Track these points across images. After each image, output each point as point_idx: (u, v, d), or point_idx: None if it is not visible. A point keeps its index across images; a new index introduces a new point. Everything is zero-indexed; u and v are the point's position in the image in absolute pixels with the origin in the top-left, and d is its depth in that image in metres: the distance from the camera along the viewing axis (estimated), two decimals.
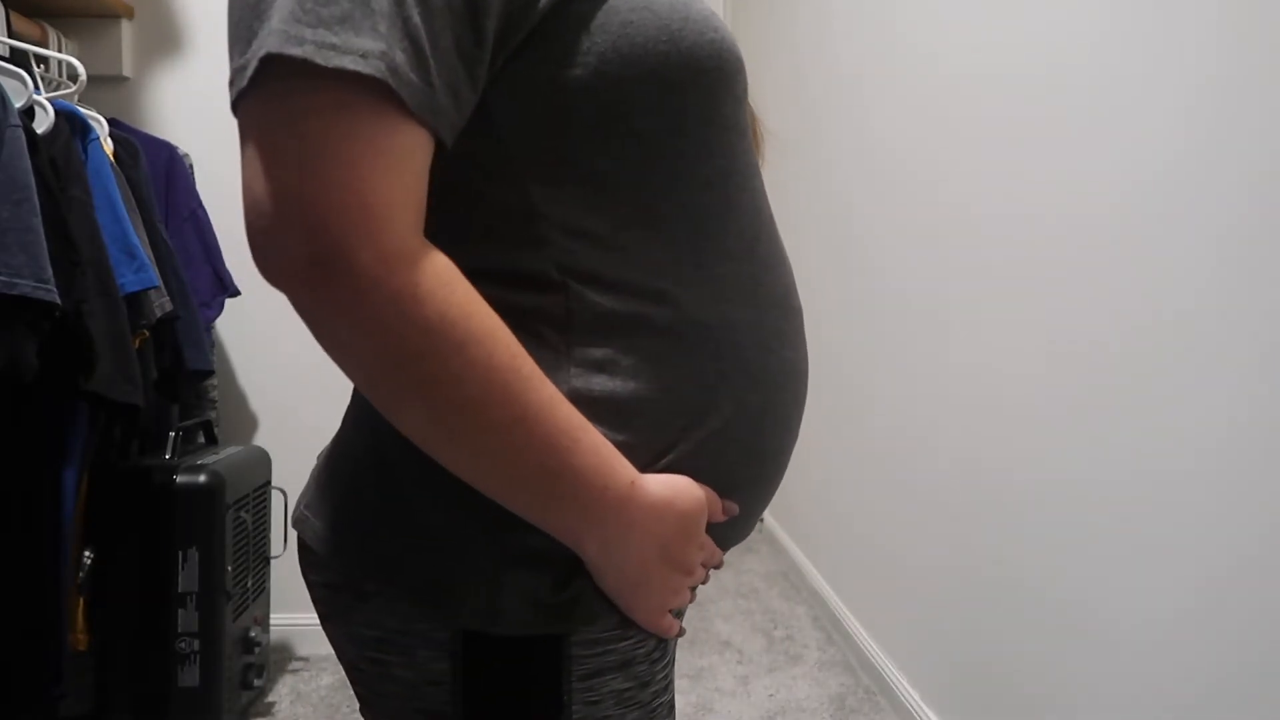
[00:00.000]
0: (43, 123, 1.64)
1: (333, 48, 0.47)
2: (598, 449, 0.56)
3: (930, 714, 1.92)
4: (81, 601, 1.78)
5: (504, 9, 0.53)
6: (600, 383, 0.59)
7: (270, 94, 0.49)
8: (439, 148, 0.53)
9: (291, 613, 2.35)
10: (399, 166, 0.50)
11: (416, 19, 0.49)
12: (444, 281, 0.51)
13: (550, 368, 0.57)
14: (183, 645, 1.81)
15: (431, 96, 0.50)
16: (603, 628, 0.61)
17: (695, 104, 0.61)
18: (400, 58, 0.49)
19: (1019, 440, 1.55)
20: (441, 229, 0.56)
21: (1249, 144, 1.03)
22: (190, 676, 1.82)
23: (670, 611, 0.63)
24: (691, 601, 0.66)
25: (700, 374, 0.61)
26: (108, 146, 1.84)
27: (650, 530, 0.58)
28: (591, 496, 0.56)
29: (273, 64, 0.48)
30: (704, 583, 0.66)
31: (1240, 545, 1.05)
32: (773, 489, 0.70)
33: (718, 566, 0.67)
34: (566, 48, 0.56)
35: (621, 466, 0.57)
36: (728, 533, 0.67)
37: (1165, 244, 1.17)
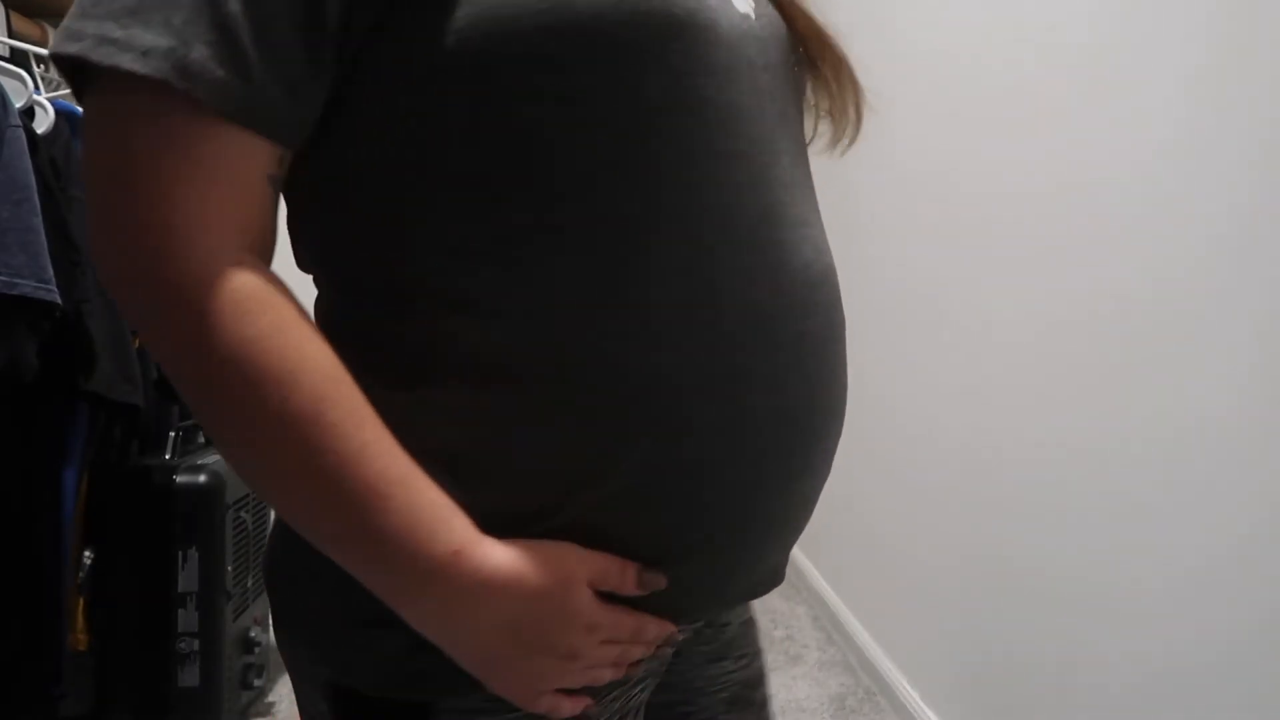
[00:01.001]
0: (43, 123, 1.64)
1: (113, 43, 0.42)
2: (414, 510, 0.47)
3: (930, 714, 1.92)
4: (81, 601, 1.77)
5: None
6: (457, 435, 0.50)
7: (88, 96, 0.45)
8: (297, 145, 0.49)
9: None
10: (211, 178, 0.45)
11: (233, 6, 0.43)
12: (245, 310, 0.45)
13: (401, 410, 0.49)
14: (183, 645, 1.81)
15: (249, 95, 0.44)
16: (477, 700, 0.53)
17: (598, 85, 0.49)
18: (201, 53, 0.43)
19: (1020, 436, 1.55)
20: (327, 234, 0.52)
21: (1247, 129, 1.04)
22: (190, 676, 1.82)
23: (575, 689, 0.53)
24: (624, 675, 0.56)
25: (592, 429, 0.50)
26: None
27: (487, 607, 0.49)
28: (400, 564, 0.47)
29: (62, 64, 0.44)
30: (648, 657, 0.56)
31: (1250, 540, 1.05)
32: (753, 554, 0.57)
33: (669, 645, 0.57)
34: (424, 25, 0.47)
35: (445, 531, 0.48)
36: (683, 604, 0.56)
37: (1165, 239, 1.17)
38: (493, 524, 0.50)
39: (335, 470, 0.46)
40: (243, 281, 0.46)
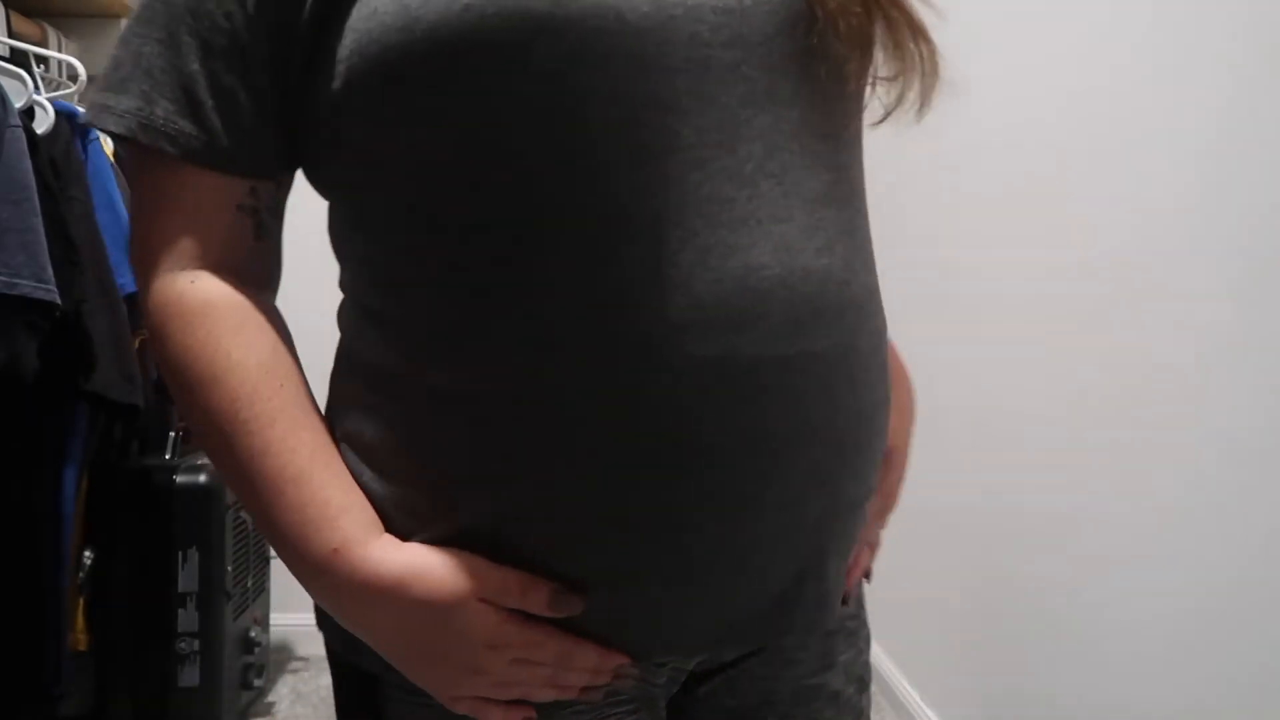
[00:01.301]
0: (43, 123, 1.64)
1: (105, 109, 0.52)
2: (302, 507, 0.51)
3: (930, 714, 1.92)
4: (81, 601, 1.77)
5: (266, 32, 0.51)
6: (369, 427, 0.55)
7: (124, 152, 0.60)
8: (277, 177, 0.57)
9: (291, 613, 2.34)
10: (175, 209, 0.54)
11: (193, 66, 0.51)
12: (185, 322, 0.53)
13: (335, 398, 0.58)
14: (183, 645, 1.81)
15: (207, 140, 0.52)
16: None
17: (458, 99, 0.48)
18: (166, 109, 0.51)
19: (1017, 450, 1.55)
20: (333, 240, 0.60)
21: (1262, 169, 1.04)
22: (190, 676, 1.82)
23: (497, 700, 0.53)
24: (577, 697, 0.54)
25: (482, 434, 0.51)
26: (108, 147, 1.83)
27: (372, 607, 0.51)
28: (290, 555, 0.53)
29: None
30: (589, 693, 0.54)
31: (1271, 564, 1.05)
32: (710, 594, 0.54)
33: (618, 679, 0.54)
34: (325, 60, 0.51)
35: (327, 530, 0.51)
36: (628, 635, 0.54)
37: (1180, 277, 1.17)
38: (402, 515, 0.53)
39: (244, 464, 0.52)
40: (191, 297, 0.53)
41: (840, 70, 0.52)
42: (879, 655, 2.22)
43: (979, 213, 1.70)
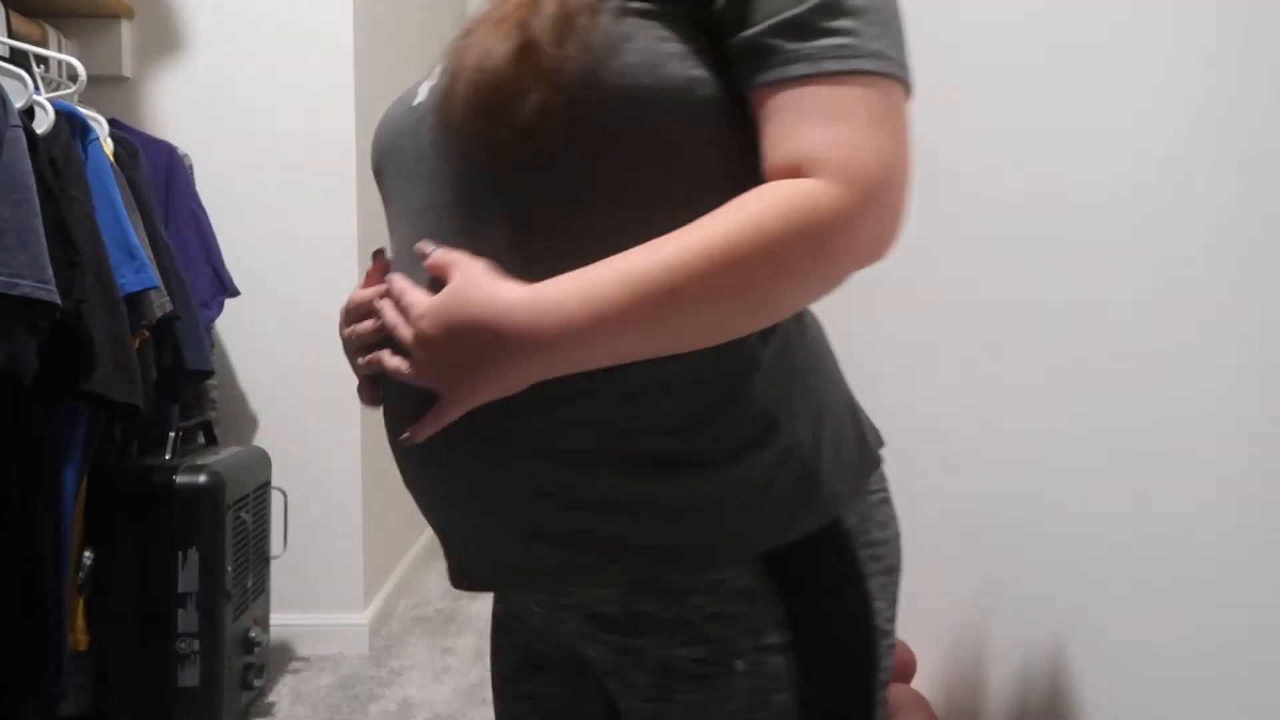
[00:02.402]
0: (43, 123, 1.64)
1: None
2: None
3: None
4: (81, 601, 1.78)
5: None
6: None
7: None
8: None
9: (291, 613, 2.35)
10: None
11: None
12: None
13: None
14: (183, 645, 1.81)
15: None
16: None
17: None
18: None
19: (1016, 446, 1.55)
20: None
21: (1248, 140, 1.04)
22: (190, 676, 1.82)
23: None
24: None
25: None
26: (108, 147, 1.84)
27: None
28: None
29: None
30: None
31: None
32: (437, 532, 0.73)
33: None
34: None
35: None
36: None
37: (1188, 278, 1.17)
38: None
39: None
40: None
41: (463, 137, 0.67)
42: None
43: (986, 228, 1.70)
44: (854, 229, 0.59)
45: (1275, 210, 0.99)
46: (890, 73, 0.61)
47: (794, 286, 0.60)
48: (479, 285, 0.61)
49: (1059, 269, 1.46)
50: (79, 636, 1.77)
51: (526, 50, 0.62)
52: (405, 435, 0.66)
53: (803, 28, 0.60)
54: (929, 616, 1.95)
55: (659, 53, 0.63)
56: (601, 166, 0.64)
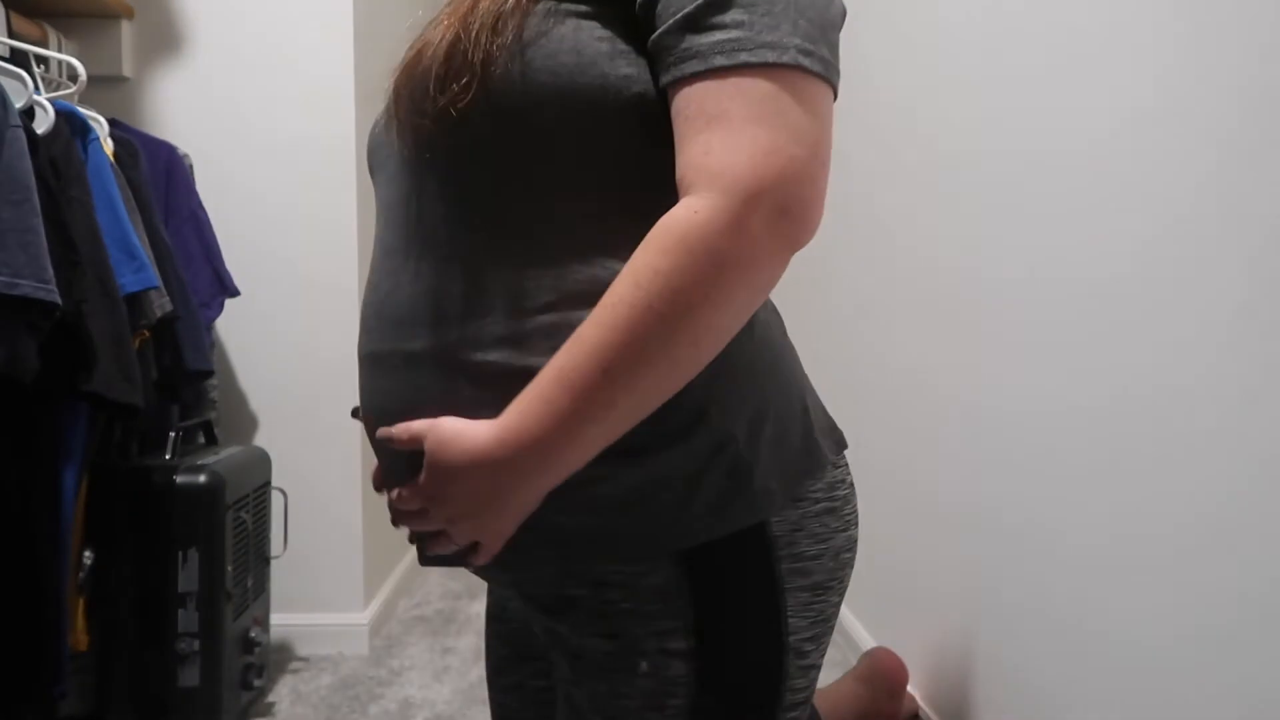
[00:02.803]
0: (43, 123, 1.64)
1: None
2: None
3: (931, 714, 1.92)
4: (81, 601, 1.77)
5: None
6: None
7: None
8: None
9: (291, 613, 2.35)
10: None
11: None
12: None
13: None
14: (183, 645, 1.81)
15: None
16: None
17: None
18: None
19: (1015, 444, 1.55)
20: None
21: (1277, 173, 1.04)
22: (190, 676, 1.82)
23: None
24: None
25: None
26: (108, 147, 1.83)
27: None
28: None
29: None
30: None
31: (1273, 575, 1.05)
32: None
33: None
34: None
35: None
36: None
37: (1191, 281, 1.17)
38: None
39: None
40: None
41: (423, 139, 0.69)
42: (860, 631, 2.22)
43: (978, 215, 1.70)
44: (740, 232, 0.58)
45: (1249, 180, 0.99)
46: (784, 62, 0.59)
47: (715, 310, 0.59)
48: (451, 443, 0.64)
49: (1036, 248, 1.46)
50: (79, 636, 1.77)
51: (456, 44, 0.64)
52: (475, 559, 0.69)
53: (696, 24, 0.60)
54: (922, 608, 1.96)
55: (592, 51, 0.63)
56: (531, 161, 0.65)
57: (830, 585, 0.71)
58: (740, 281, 0.59)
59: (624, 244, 0.62)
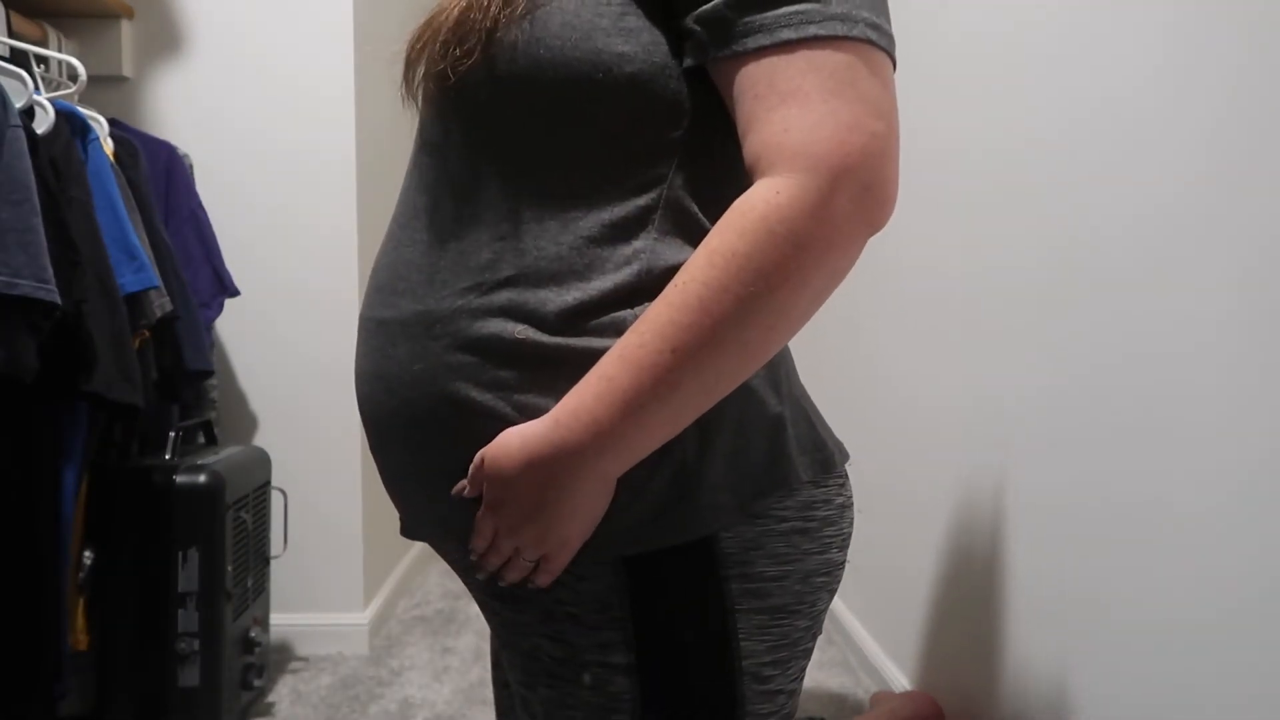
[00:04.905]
0: (43, 123, 1.64)
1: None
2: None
3: (904, 682, 1.92)
4: (81, 601, 1.78)
5: None
6: None
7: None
8: None
9: (291, 613, 2.35)
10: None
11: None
12: None
13: None
14: (183, 645, 1.81)
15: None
16: None
17: None
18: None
19: (1013, 441, 1.55)
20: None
21: (1271, 157, 1.04)
22: (190, 676, 1.82)
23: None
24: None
25: None
26: (108, 147, 1.83)
27: None
28: None
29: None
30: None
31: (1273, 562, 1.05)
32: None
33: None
34: None
35: None
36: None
37: (1179, 267, 1.17)
38: None
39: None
40: None
41: (438, 105, 0.69)
42: (878, 655, 2.22)
43: (969, 208, 1.70)
44: (826, 214, 0.56)
45: (1240, 161, 0.99)
46: (856, 36, 0.57)
47: (792, 293, 0.57)
48: (507, 441, 0.62)
49: (1035, 248, 1.46)
50: (79, 636, 1.77)
51: (468, 10, 0.64)
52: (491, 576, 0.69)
53: None
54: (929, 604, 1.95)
55: (588, 25, 0.62)
56: (520, 132, 0.65)
57: (796, 609, 0.68)
58: (819, 264, 0.57)
59: (598, 226, 0.63)
